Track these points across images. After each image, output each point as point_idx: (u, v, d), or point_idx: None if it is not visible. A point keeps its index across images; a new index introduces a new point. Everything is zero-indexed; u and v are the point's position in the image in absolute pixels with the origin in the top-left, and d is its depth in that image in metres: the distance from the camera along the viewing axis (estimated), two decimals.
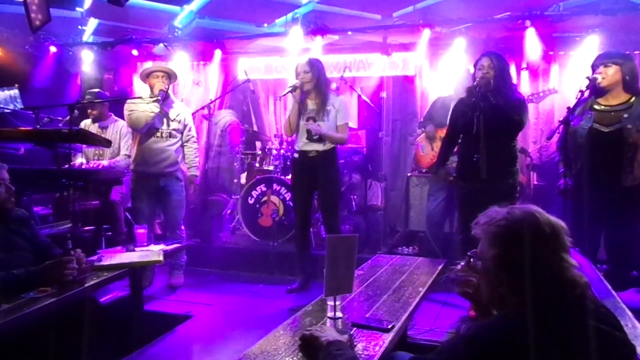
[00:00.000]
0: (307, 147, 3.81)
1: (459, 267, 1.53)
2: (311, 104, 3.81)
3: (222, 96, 5.66)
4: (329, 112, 3.77)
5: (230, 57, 5.63)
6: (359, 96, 4.93)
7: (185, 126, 4.09)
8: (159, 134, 3.91)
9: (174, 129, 3.98)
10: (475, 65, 3.17)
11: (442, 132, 4.03)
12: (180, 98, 5.31)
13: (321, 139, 3.78)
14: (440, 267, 2.67)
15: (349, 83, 4.97)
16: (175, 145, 4.00)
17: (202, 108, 5.03)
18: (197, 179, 4.28)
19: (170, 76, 4.00)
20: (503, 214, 1.20)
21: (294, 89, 3.72)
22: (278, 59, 5.43)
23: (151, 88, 3.93)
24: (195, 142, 4.21)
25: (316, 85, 3.73)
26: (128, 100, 4.00)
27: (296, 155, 3.88)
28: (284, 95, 3.83)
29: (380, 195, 5.36)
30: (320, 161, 3.78)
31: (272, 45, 5.36)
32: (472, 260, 1.26)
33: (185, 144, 4.11)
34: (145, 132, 3.88)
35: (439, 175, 3.54)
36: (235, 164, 5.60)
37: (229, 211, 5.43)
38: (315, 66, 3.74)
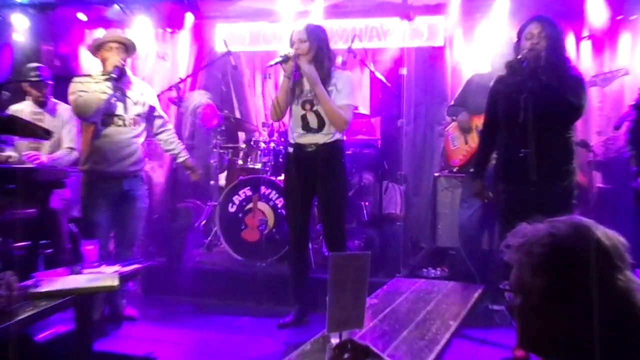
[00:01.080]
0: (303, 139, 3.79)
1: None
2: (308, 84, 3.80)
3: (194, 73, 5.64)
4: (330, 94, 3.74)
5: (206, 23, 5.63)
6: (372, 73, 4.91)
7: (151, 110, 4.09)
8: (120, 122, 3.87)
9: (137, 115, 3.95)
10: (520, 33, 3.17)
11: (478, 121, 4.03)
12: (141, 76, 5.31)
13: (321, 127, 3.75)
14: (477, 295, 2.68)
15: (358, 56, 4.90)
16: (141, 135, 4.01)
17: (169, 89, 5.02)
18: (192, 160, 4.34)
19: (128, 48, 3.97)
20: (545, 230, 1.19)
21: (285, 59, 3.68)
22: (267, 25, 5.42)
23: (103, 63, 3.88)
24: (169, 123, 4.29)
25: (315, 59, 3.71)
26: (74, 79, 3.93)
27: (290, 149, 3.86)
28: (272, 65, 3.81)
29: (400, 201, 5.43)
30: (321, 157, 3.76)
31: (259, 8, 5.39)
32: (506, 294, 1.25)
33: (160, 130, 4.14)
34: (97, 119, 3.83)
35: (475, 186, 3.54)
36: (211, 161, 5.53)
37: (203, 222, 5.41)
38: (314, 34, 3.72)
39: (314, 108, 3.75)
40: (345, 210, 4.00)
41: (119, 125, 3.87)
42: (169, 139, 4.19)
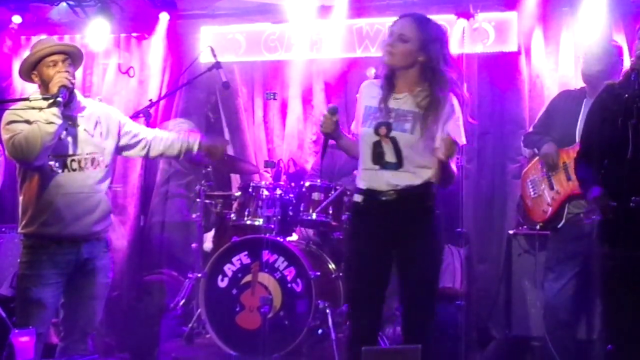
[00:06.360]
0: (376, 181, 3.58)
1: None
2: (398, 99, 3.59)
3: (170, 94, 5.69)
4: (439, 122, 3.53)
5: (185, 25, 5.82)
6: None
7: (119, 135, 4.01)
8: (75, 165, 3.81)
9: (96, 152, 3.89)
10: (637, 34, 3.25)
11: (567, 156, 4.03)
12: (96, 98, 5.17)
13: (400, 162, 3.54)
14: None
15: None
16: (105, 181, 3.92)
17: (136, 116, 4.94)
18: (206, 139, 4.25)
19: (75, 59, 3.88)
20: None
21: None
22: (270, 26, 5.58)
23: (43, 85, 3.75)
24: (156, 130, 4.25)
25: (425, 68, 3.59)
26: (9, 110, 3.76)
27: (358, 198, 3.67)
28: None
29: (459, 270, 5.32)
30: (402, 209, 3.58)
31: (260, 3, 5.57)
32: None
33: (147, 147, 4.12)
34: (42, 163, 3.70)
35: (600, 202, 3.25)
36: (193, 216, 5.59)
37: (182, 302, 5.38)
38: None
39: (391, 134, 3.54)
40: (437, 287, 3.81)
41: (74, 170, 3.83)
42: (166, 135, 4.13)
